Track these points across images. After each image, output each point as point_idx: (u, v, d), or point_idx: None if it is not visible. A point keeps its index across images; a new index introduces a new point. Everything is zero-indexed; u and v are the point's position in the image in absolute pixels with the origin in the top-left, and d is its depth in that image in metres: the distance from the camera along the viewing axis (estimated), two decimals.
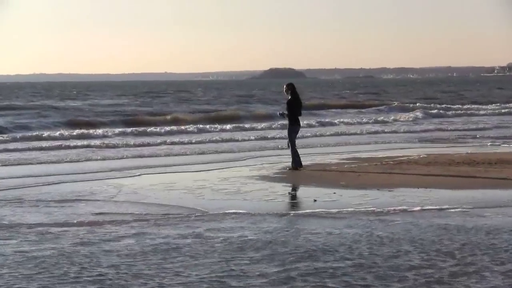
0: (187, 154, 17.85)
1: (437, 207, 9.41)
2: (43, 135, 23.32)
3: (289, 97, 14.71)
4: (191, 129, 26.53)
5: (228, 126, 27.64)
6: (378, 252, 6.56)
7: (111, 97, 67.16)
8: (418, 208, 9.29)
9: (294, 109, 14.68)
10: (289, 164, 14.56)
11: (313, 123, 30.24)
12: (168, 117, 33.45)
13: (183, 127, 26.92)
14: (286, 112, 14.73)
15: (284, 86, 14.91)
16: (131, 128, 26.15)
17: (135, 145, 20.29)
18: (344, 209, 9.21)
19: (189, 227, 7.92)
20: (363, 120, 32.62)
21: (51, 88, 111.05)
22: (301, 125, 15.14)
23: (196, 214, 8.88)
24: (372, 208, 9.30)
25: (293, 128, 14.75)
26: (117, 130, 25.34)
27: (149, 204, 9.86)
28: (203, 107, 46.00)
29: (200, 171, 14.12)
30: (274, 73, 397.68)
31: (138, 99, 61.35)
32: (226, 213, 8.98)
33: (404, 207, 9.40)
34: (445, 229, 7.66)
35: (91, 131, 24.67)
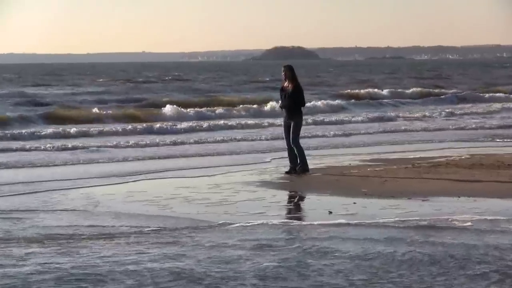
0: (202, 155, 17.88)
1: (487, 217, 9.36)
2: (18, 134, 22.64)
3: (289, 84, 14.32)
4: (208, 125, 26.15)
5: (265, 121, 27.70)
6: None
7: (89, 82, 66.25)
8: (468, 223, 9.18)
9: (303, 98, 14.56)
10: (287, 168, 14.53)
11: (369, 117, 30.27)
12: (194, 110, 32.07)
13: (193, 124, 26.37)
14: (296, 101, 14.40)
15: (285, 70, 14.37)
16: (137, 125, 25.63)
17: (141, 145, 20.02)
18: (368, 221, 9.15)
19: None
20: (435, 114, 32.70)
21: (3, 71, 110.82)
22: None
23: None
24: (403, 221, 9.22)
25: (301, 122, 14.63)
26: (113, 127, 25.09)
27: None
28: (215, 95, 45.19)
29: (199, 176, 14.08)
30: (279, 53, 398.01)
31: (120, 85, 60.60)
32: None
33: (444, 218, 9.32)
34: None
35: (83, 127, 24.55)
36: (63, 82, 66.43)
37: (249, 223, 9.26)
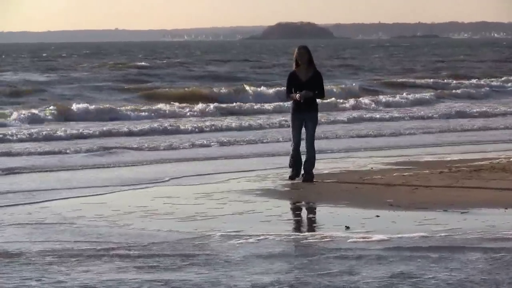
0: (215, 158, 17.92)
1: None
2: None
3: (305, 69, 14.02)
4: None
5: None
6: None
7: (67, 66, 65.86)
8: None
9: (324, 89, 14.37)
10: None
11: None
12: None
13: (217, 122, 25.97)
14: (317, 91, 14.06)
15: (303, 53, 13.96)
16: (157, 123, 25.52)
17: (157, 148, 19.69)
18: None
19: None
20: None
21: None
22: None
23: None
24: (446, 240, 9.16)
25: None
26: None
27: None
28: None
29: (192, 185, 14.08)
30: (284, 31, 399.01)
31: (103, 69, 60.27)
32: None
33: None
34: None
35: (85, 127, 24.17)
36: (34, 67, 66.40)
37: (222, 243, 9.23)
